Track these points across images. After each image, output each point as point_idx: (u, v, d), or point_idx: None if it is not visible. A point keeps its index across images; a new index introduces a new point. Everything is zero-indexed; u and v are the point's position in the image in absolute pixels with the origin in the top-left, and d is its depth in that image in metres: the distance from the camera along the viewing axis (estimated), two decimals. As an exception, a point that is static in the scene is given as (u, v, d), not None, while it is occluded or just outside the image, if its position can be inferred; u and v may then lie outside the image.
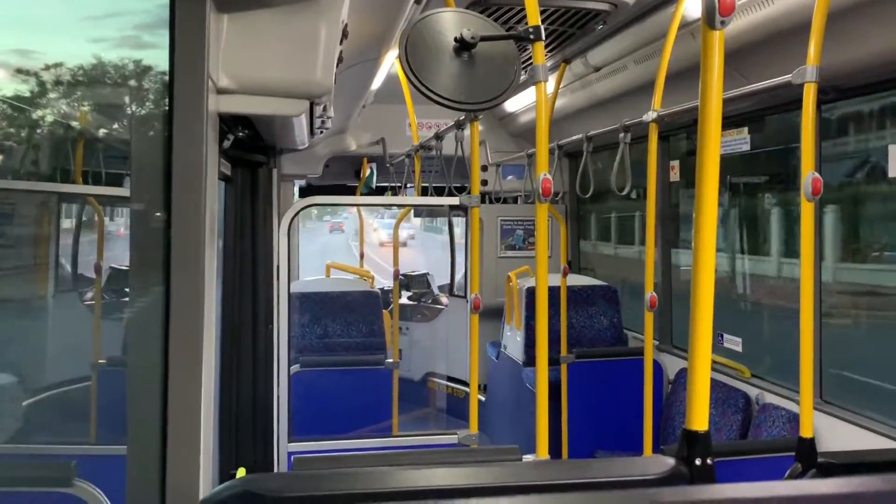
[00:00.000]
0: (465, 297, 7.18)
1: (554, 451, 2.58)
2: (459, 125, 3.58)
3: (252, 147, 2.98)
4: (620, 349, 5.62)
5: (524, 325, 5.59)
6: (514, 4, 3.69)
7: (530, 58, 2.34)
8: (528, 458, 2.27)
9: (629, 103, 4.52)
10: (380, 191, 7.81)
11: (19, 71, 2.28)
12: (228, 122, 2.45)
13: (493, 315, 6.15)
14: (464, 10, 2.32)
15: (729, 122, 4.07)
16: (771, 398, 3.92)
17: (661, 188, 5.04)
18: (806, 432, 2.31)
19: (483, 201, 6.57)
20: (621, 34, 4.23)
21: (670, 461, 1.28)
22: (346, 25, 2.18)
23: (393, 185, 7.29)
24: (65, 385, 3.05)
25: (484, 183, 6.80)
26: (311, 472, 1.38)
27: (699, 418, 1.36)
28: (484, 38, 2.20)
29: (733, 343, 4.49)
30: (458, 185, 5.63)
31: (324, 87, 1.92)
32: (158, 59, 1.65)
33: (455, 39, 2.19)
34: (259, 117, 2.44)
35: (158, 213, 1.58)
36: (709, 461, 1.31)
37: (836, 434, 3.36)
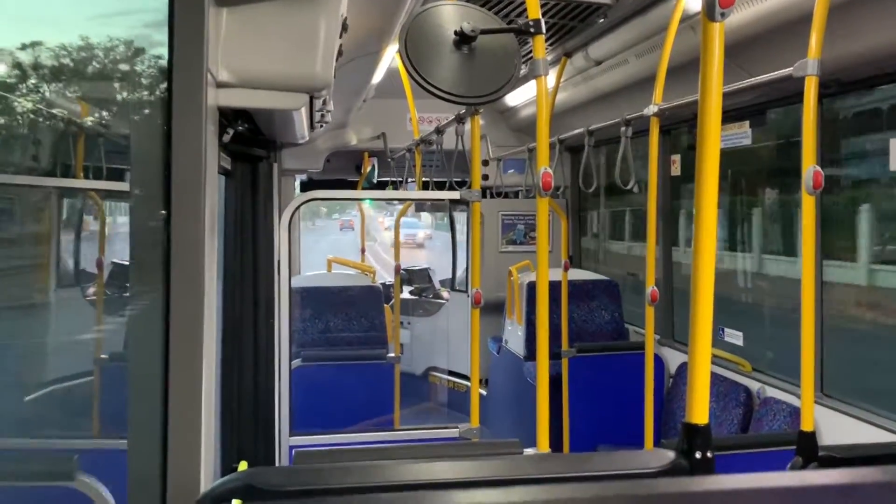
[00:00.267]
0: (466, 291, 7.19)
1: (555, 446, 2.59)
2: (460, 119, 3.58)
3: (252, 141, 2.98)
4: (621, 343, 5.62)
5: (525, 320, 5.59)
6: None
7: (531, 51, 2.33)
8: (528, 451, 2.27)
9: (631, 97, 4.51)
10: (381, 185, 7.81)
11: (17, 65, 2.28)
12: (228, 116, 2.45)
13: (494, 310, 6.16)
14: (464, 3, 2.31)
15: (730, 116, 4.06)
16: (772, 392, 3.92)
17: (663, 182, 5.03)
18: (807, 426, 2.31)
19: (484, 196, 6.57)
20: (622, 27, 4.22)
21: (670, 454, 1.28)
22: (346, 19, 2.18)
23: (394, 179, 7.28)
24: (66, 380, 3.06)
25: (485, 177, 6.80)
26: (312, 465, 1.39)
27: (699, 412, 1.36)
28: (484, 32, 2.19)
29: (734, 337, 4.49)
30: (459, 179, 5.62)
31: (323, 80, 1.92)
32: (157, 52, 1.64)
33: (455, 33, 2.19)
34: (259, 111, 2.44)
35: (158, 208, 1.58)
36: (709, 454, 1.31)
37: (838, 427, 3.36)
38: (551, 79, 4.74)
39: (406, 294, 8.00)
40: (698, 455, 1.31)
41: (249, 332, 3.16)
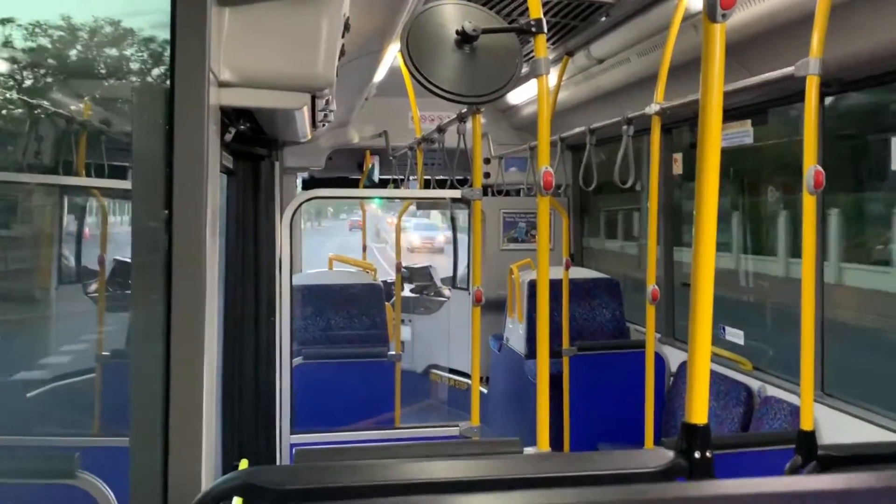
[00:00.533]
0: (467, 289, 7.18)
1: (556, 444, 2.59)
2: (462, 118, 3.58)
3: (254, 140, 2.98)
4: (622, 342, 5.63)
5: (526, 318, 5.60)
6: None
7: (532, 50, 2.33)
8: (528, 450, 2.27)
9: (632, 96, 4.51)
10: (382, 183, 7.81)
11: (21, 63, 2.28)
12: (230, 116, 2.45)
13: (495, 308, 6.16)
14: (465, 3, 2.31)
15: (732, 115, 4.06)
16: (772, 391, 3.93)
17: (664, 181, 5.04)
18: (806, 425, 2.31)
19: (486, 194, 6.57)
20: (624, 26, 4.22)
21: (669, 454, 1.28)
22: (349, 18, 2.18)
23: (395, 177, 7.29)
24: (68, 377, 3.07)
25: (487, 175, 6.80)
26: (312, 464, 1.39)
27: (699, 411, 1.36)
28: (486, 31, 2.19)
29: (735, 336, 4.49)
30: (461, 177, 5.62)
31: (326, 80, 1.92)
32: (160, 51, 1.65)
33: (457, 32, 2.19)
34: (261, 110, 2.44)
35: (160, 206, 1.58)
36: (708, 454, 1.31)
37: (838, 427, 3.37)
38: (553, 77, 4.74)
39: (407, 292, 8.01)
40: (697, 455, 1.31)
41: (251, 330, 3.16)
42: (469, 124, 3.31)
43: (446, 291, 8.03)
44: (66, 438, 2.64)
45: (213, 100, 1.68)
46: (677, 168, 5.10)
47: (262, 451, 3.21)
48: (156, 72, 1.67)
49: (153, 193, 1.60)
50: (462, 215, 8.13)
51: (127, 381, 1.69)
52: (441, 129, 4.51)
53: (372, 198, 8.75)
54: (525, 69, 2.46)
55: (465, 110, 3.41)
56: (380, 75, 4.42)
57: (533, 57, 2.30)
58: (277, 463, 3.16)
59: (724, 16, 1.34)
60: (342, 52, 2.25)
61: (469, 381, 6.08)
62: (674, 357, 4.91)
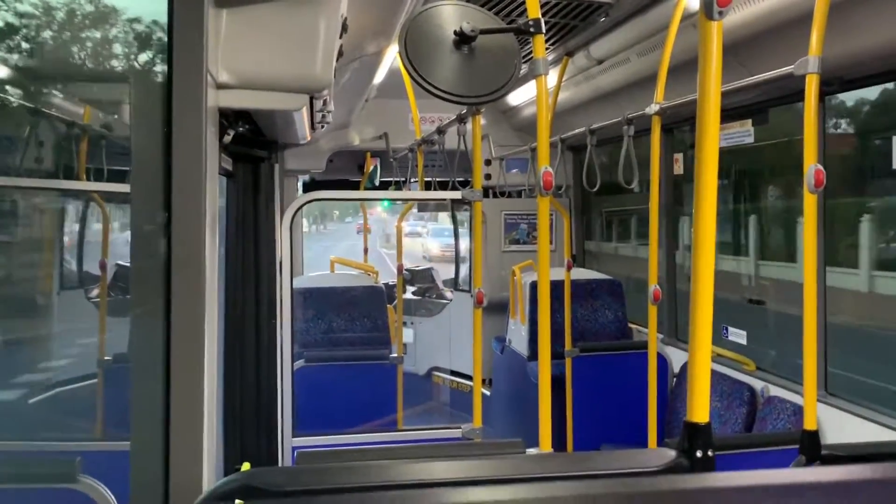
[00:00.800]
0: (469, 291, 7.18)
1: (559, 445, 2.58)
2: (461, 119, 3.58)
3: (253, 142, 2.98)
4: (625, 343, 5.62)
5: (528, 320, 5.59)
6: None
7: (531, 51, 2.33)
8: (531, 451, 2.26)
9: (632, 96, 4.50)
10: (383, 185, 7.81)
11: (19, 68, 2.28)
12: (229, 118, 2.45)
13: (497, 309, 6.15)
14: (463, 3, 2.31)
15: (732, 114, 4.05)
16: (776, 391, 3.91)
17: (665, 181, 5.03)
18: (810, 425, 2.30)
19: (487, 195, 6.55)
20: (624, 26, 4.21)
21: (671, 453, 1.28)
22: (346, 19, 2.18)
23: (396, 179, 7.29)
24: (70, 382, 3.06)
25: (488, 177, 6.79)
26: (313, 466, 1.39)
27: (700, 410, 1.35)
28: (484, 32, 2.19)
29: (738, 336, 4.48)
30: (462, 179, 5.62)
31: (323, 81, 1.92)
32: (157, 53, 1.65)
33: (455, 32, 2.18)
34: (259, 112, 2.44)
35: (159, 210, 1.58)
36: (710, 453, 1.31)
37: (841, 426, 3.35)
38: (552, 78, 4.74)
39: (409, 294, 8.00)
40: (699, 454, 1.30)
41: (252, 333, 3.16)
42: (469, 125, 3.31)
43: (448, 293, 8.03)
44: (67, 443, 2.63)
45: (211, 101, 1.67)
46: (678, 168, 5.09)
47: (263, 454, 3.21)
48: (153, 74, 1.67)
49: (152, 196, 1.60)
50: (463, 217, 8.12)
51: (128, 385, 1.69)
52: (441, 131, 4.51)
53: (372, 199, 8.74)
54: (524, 70, 2.46)
55: (464, 111, 3.41)
56: (379, 77, 4.43)
57: (532, 57, 2.30)
58: (279, 465, 3.15)
59: (720, 13, 1.34)
60: (340, 53, 2.25)
61: (471, 384, 6.06)
62: (676, 357, 4.90)
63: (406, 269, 6.87)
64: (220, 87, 1.82)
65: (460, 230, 8.58)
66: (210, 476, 1.67)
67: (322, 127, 3.50)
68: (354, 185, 7.83)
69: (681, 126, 5.00)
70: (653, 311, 3.66)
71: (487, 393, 6.20)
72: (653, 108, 3.58)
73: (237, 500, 1.27)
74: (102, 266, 3.43)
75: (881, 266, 4.83)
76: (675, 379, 4.87)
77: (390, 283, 7.56)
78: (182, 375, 1.58)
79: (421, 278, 8.46)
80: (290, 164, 6.22)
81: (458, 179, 5.09)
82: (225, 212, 3.09)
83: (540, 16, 2.24)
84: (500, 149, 6.87)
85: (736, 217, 5.65)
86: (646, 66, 4.21)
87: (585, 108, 5.33)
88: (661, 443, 3.72)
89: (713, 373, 1.40)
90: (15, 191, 2.73)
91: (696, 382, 1.36)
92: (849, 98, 4.19)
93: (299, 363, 4.74)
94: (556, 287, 2.92)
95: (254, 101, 1.89)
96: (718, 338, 4.51)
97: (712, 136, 1.38)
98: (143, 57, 1.77)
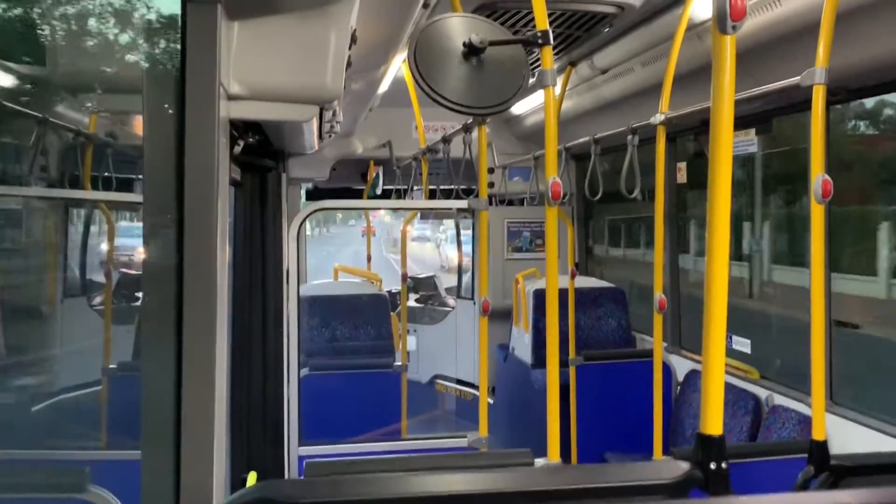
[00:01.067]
0: (472, 299, 7.18)
1: (563, 454, 2.58)
2: (467, 128, 3.59)
3: (261, 152, 3.00)
4: (629, 351, 5.61)
5: (532, 327, 5.59)
6: (522, 8, 3.69)
7: (537, 61, 2.34)
8: (539, 461, 2.26)
9: (636, 105, 4.51)
10: (386, 194, 7.83)
11: (26, 76, 2.29)
12: (239, 128, 2.46)
13: (500, 317, 6.15)
14: (471, 15, 2.33)
15: (736, 124, 4.05)
16: (780, 400, 3.91)
17: (669, 190, 5.04)
18: (818, 435, 2.30)
19: (490, 203, 6.55)
20: (628, 36, 4.23)
21: (684, 465, 1.28)
22: (355, 31, 2.19)
23: (399, 188, 7.30)
24: (77, 390, 3.07)
25: (490, 185, 6.80)
26: (327, 478, 1.39)
27: (713, 422, 1.35)
28: (493, 43, 2.20)
29: (742, 345, 4.47)
30: (465, 187, 5.63)
31: (334, 92, 1.93)
32: (170, 65, 1.66)
33: (463, 44, 2.20)
34: (269, 123, 2.45)
35: (171, 219, 1.59)
36: (723, 465, 1.31)
37: (847, 436, 3.35)
38: (556, 88, 4.75)
39: (412, 302, 8.00)
40: (713, 466, 1.30)
41: (258, 342, 3.16)
42: (474, 134, 3.32)
43: (451, 301, 8.03)
44: (76, 452, 2.63)
45: (222, 112, 1.68)
46: (682, 177, 5.10)
47: (269, 462, 3.21)
48: (166, 85, 1.68)
49: (164, 207, 1.61)
50: (466, 224, 8.13)
51: (135, 393, 1.69)
52: (446, 140, 4.52)
53: (379, 209, 8.76)
54: (531, 80, 2.47)
55: (470, 121, 3.42)
56: (384, 86, 4.44)
57: (538, 68, 2.31)
58: (286, 474, 3.15)
59: (734, 27, 1.34)
60: (349, 64, 2.26)
61: (475, 392, 6.05)
62: (680, 366, 4.89)
63: (409, 277, 6.88)
64: (232, 98, 1.82)
65: (460, 238, 8.60)
66: (219, 486, 1.67)
67: (330, 136, 3.52)
68: (357, 193, 7.84)
69: (684, 135, 5.01)
70: (658, 320, 3.67)
71: (491, 401, 6.20)
72: (658, 118, 3.59)
73: None
74: (108, 274, 3.44)
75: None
76: (679, 387, 4.87)
77: (394, 291, 7.56)
78: (194, 385, 1.58)
79: (424, 286, 8.46)
80: (294, 172, 6.23)
81: (461, 188, 5.10)
82: (232, 221, 3.10)
83: (548, 27, 2.25)
84: (502, 157, 6.89)
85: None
86: (649, 75, 4.22)
87: (588, 117, 5.35)
88: (666, 452, 3.71)
89: None
90: (23, 199, 2.74)
91: (709, 394, 1.36)
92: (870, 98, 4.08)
93: (304, 371, 4.74)
94: (560, 295, 2.92)
95: (265, 112, 1.90)
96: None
97: (726, 148, 1.39)
98: (156, 68, 1.78)
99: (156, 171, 1.66)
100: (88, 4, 2.08)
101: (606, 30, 4.19)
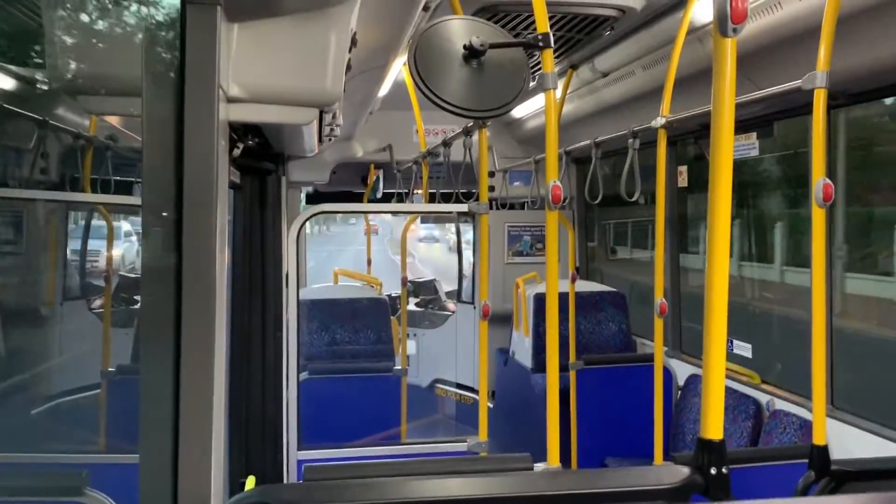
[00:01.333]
0: (472, 303, 7.18)
1: (563, 459, 2.57)
2: (468, 132, 3.58)
3: (261, 155, 2.99)
4: (629, 355, 5.60)
5: (532, 332, 5.58)
6: (522, 11, 3.69)
7: (538, 64, 2.34)
8: (539, 466, 2.25)
9: (637, 109, 4.51)
10: (386, 197, 7.82)
11: (26, 80, 2.29)
12: (238, 131, 2.46)
13: (500, 321, 6.14)
14: (472, 18, 2.32)
15: (737, 127, 4.04)
16: (781, 404, 3.90)
17: (670, 194, 5.03)
18: (819, 440, 2.29)
19: (490, 207, 6.55)
20: (629, 40, 4.22)
21: (685, 470, 1.27)
22: (356, 33, 2.18)
23: (400, 191, 7.30)
24: (75, 393, 3.06)
25: (491, 188, 6.80)
26: (326, 482, 1.38)
27: (714, 427, 1.35)
28: (493, 46, 2.19)
29: (743, 349, 4.46)
30: (465, 191, 5.62)
31: (333, 95, 1.92)
32: (169, 67, 1.65)
33: (464, 47, 2.19)
34: (269, 125, 2.44)
35: (170, 222, 1.58)
36: (724, 470, 1.30)
37: (848, 441, 3.34)
38: (557, 91, 4.75)
39: (412, 306, 8.00)
40: (713, 471, 1.30)
41: (258, 345, 3.15)
42: (475, 138, 3.31)
43: (451, 305, 8.02)
44: (74, 455, 2.62)
45: (222, 115, 1.68)
46: (682, 181, 5.10)
47: (268, 466, 3.20)
48: (165, 88, 1.67)
49: (163, 210, 1.60)
50: (465, 228, 8.13)
51: (133, 396, 1.68)
52: (447, 143, 4.52)
53: (379, 212, 8.75)
54: (532, 83, 2.46)
55: (471, 124, 3.41)
56: (384, 89, 4.44)
57: (539, 71, 2.30)
58: (284, 478, 3.14)
59: (734, 30, 1.34)
60: (349, 67, 2.25)
61: (475, 396, 6.03)
62: (681, 370, 4.88)
63: (409, 282, 6.87)
64: (231, 100, 1.82)
65: (460, 242, 8.59)
66: (217, 490, 1.66)
67: (329, 139, 3.51)
68: (357, 196, 7.83)
69: (685, 138, 5.01)
70: (659, 324, 3.66)
71: (491, 405, 6.18)
72: (659, 122, 3.59)
73: None
74: (107, 277, 3.44)
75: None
76: (679, 392, 4.86)
77: (393, 295, 7.56)
78: (193, 388, 1.57)
79: (424, 290, 8.45)
80: (294, 175, 6.23)
81: (461, 191, 5.10)
82: (232, 224, 3.10)
83: (549, 30, 2.25)
84: (503, 161, 6.88)
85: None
86: (650, 79, 4.22)
87: (589, 120, 5.34)
88: (666, 457, 3.70)
89: None
90: (21, 202, 2.74)
91: (710, 399, 1.36)
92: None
93: (303, 375, 4.72)
94: (561, 299, 2.92)
95: (265, 114, 1.89)
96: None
97: (727, 151, 1.38)
98: (155, 70, 1.77)
99: (155, 173, 1.65)
100: (88, 5, 2.07)
101: (607, 33, 4.19)
